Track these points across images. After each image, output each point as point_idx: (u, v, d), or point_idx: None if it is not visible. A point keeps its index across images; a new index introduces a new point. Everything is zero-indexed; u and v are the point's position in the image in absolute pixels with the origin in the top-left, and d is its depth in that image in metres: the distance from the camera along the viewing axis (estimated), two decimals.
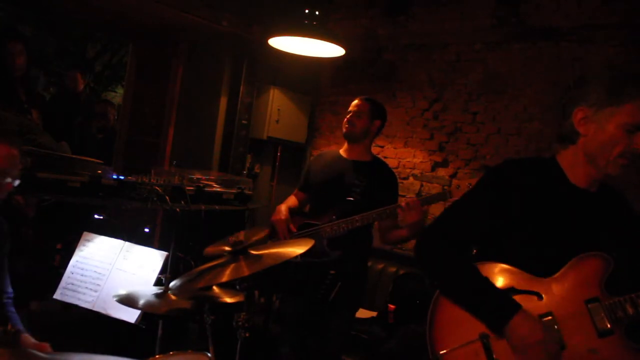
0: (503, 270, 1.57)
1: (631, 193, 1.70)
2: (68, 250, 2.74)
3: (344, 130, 2.83)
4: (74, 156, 2.89)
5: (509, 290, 1.54)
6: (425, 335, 1.60)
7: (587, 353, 1.46)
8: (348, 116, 2.83)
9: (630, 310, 1.45)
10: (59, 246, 3.36)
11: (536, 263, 1.54)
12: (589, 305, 1.48)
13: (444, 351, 1.55)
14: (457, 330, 1.56)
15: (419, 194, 4.36)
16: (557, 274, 1.53)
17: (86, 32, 8.75)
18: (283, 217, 2.79)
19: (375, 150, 4.46)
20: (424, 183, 4.37)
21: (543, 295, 1.52)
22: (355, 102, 2.86)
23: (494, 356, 1.51)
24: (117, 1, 4.01)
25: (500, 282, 1.56)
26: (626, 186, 1.70)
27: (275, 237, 2.83)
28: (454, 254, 1.62)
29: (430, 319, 1.61)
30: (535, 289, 1.53)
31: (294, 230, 2.77)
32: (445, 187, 4.15)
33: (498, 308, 1.51)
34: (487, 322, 1.53)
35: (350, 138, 2.84)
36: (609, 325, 1.46)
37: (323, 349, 2.78)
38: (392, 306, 3.64)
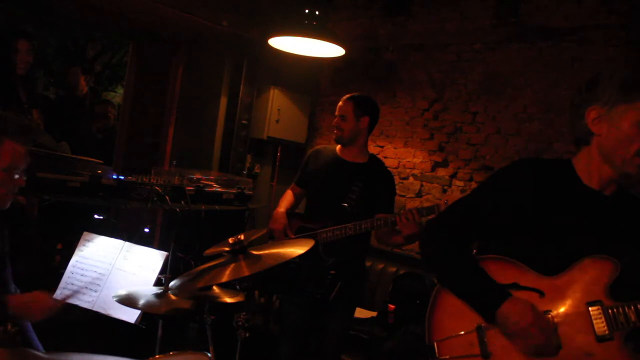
0: (508, 266, 1.57)
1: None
2: (68, 250, 2.74)
3: (334, 135, 2.79)
4: (74, 156, 2.90)
5: (511, 286, 1.53)
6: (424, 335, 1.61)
7: (583, 356, 1.43)
8: (334, 120, 2.79)
9: (632, 318, 1.41)
10: (59, 246, 3.36)
11: (543, 262, 1.53)
12: (590, 308, 1.45)
13: (440, 338, 1.56)
14: (455, 320, 1.57)
15: (419, 195, 4.37)
16: (562, 274, 1.51)
17: (86, 32, 8.74)
18: (281, 227, 2.79)
19: (375, 150, 4.48)
20: (424, 183, 4.37)
21: (545, 293, 1.51)
22: (339, 103, 2.79)
23: (488, 349, 1.50)
24: (118, 1, 4.01)
25: (504, 277, 1.55)
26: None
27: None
28: (454, 245, 1.62)
29: (431, 308, 1.61)
30: (538, 287, 1.52)
31: (292, 236, 2.77)
32: (440, 200, 4.16)
33: (488, 296, 1.52)
34: (480, 310, 1.54)
35: (340, 143, 2.80)
36: (608, 331, 1.42)
37: (323, 349, 2.79)
38: (392, 306, 3.64)
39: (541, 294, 1.51)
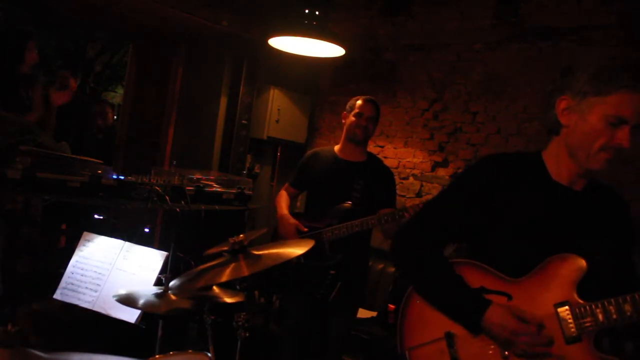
0: (475, 269, 1.51)
1: (629, 191, 1.69)
2: (73, 232, 2.72)
3: (358, 135, 2.77)
4: (74, 156, 2.89)
5: (479, 290, 1.48)
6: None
7: None
8: (362, 121, 2.77)
9: (600, 317, 1.34)
10: (63, 226, 3.35)
11: (512, 262, 1.47)
12: (558, 309, 1.39)
13: (411, 346, 1.52)
14: (425, 327, 1.53)
15: (419, 195, 4.37)
16: (529, 275, 1.45)
17: (86, 32, 8.75)
18: (293, 230, 2.77)
19: (375, 150, 4.48)
20: (424, 183, 4.37)
21: (513, 297, 1.45)
22: (367, 105, 2.79)
23: (459, 356, 1.46)
24: (118, 1, 4.01)
25: (470, 282, 1.50)
26: (624, 184, 1.69)
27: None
28: (428, 252, 1.56)
29: (402, 314, 1.57)
30: (505, 290, 1.46)
31: (304, 229, 2.77)
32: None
33: (470, 306, 1.45)
34: (462, 321, 1.48)
35: (359, 143, 2.82)
36: (576, 332, 1.36)
37: (323, 349, 2.78)
38: (392, 306, 3.64)
39: (509, 297, 1.45)
